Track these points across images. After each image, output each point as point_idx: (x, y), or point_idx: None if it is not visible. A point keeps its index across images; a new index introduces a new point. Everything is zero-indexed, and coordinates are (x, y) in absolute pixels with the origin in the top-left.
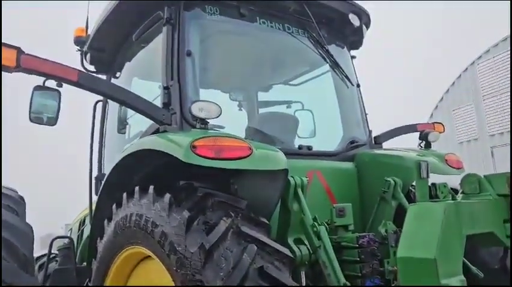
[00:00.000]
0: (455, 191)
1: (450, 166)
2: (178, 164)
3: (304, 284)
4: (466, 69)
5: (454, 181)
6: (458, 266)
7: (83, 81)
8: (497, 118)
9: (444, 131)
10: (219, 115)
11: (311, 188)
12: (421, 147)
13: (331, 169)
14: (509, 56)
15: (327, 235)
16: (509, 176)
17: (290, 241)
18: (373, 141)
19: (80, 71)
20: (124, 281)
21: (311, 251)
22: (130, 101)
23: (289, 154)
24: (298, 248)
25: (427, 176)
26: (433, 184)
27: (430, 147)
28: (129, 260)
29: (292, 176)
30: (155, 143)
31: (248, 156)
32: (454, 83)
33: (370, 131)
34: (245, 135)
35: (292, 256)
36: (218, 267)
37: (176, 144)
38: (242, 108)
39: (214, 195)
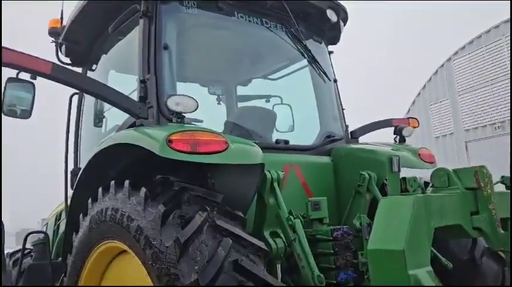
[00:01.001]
0: (428, 184)
1: (423, 160)
2: (154, 158)
3: (279, 276)
4: (443, 65)
5: (427, 174)
6: (426, 258)
7: (56, 74)
8: (471, 113)
9: (419, 126)
10: (196, 109)
11: (288, 182)
12: (396, 142)
13: (307, 163)
14: (509, 55)
15: (302, 228)
16: (477, 171)
17: (266, 234)
18: (350, 136)
19: (53, 63)
20: (99, 276)
21: (286, 244)
22: (105, 94)
23: (267, 148)
24: (274, 241)
25: (399, 170)
26: (404, 178)
27: (405, 142)
28: (104, 254)
29: (268, 171)
30: (131, 137)
31: (224, 150)
32: (430, 78)
33: (346, 126)
34: (223, 129)
35: (267, 249)
36: (193, 261)
37: (152, 138)
38: (221, 102)
39: (190, 189)
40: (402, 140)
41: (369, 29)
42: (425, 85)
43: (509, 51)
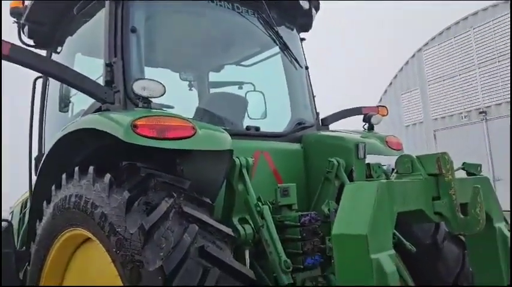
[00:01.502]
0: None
1: (390, 147)
2: (120, 144)
3: (247, 262)
4: (414, 55)
5: (394, 161)
6: (388, 242)
7: (15, 56)
8: (440, 103)
9: (387, 114)
10: (163, 94)
11: (258, 169)
12: (365, 129)
13: (278, 150)
14: (509, 53)
15: (270, 214)
16: (439, 158)
17: (235, 220)
18: (320, 123)
19: (12, 44)
20: (64, 264)
21: (255, 230)
22: (68, 77)
23: (237, 134)
24: (243, 227)
25: (364, 157)
26: (368, 164)
27: (373, 129)
28: (69, 243)
29: (237, 157)
30: (95, 121)
31: (191, 136)
32: (402, 68)
33: (317, 113)
34: (194, 115)
35: (234, 235)
36: (158, 247)
37: (116, 123)
38: (193, 89)
39: (157, 176)
40: (371, 127)
41: (345, 18)
42: (396, 75)
43: (510, 50)
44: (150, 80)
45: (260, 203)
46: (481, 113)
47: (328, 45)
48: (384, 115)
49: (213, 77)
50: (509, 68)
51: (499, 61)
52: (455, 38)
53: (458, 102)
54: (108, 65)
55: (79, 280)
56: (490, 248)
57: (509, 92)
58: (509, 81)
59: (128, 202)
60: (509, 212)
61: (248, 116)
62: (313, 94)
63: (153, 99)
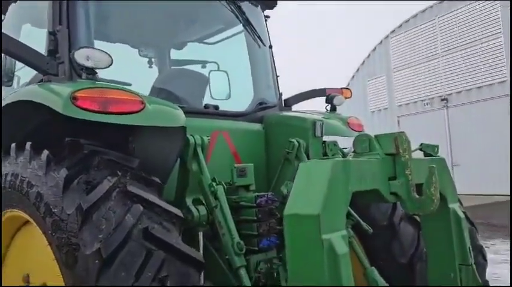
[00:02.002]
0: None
1: (352, 129)
2: (60, 118)
3: (201, 244)
4: (381, 42)
5: None
6: (341, 222)
7: None
8: (404, 90)
9: (351, 96)
10: (110, 65)
11: (216, 149)
12: (327, 110)
13: (238, 130)
14: (510, 54)
15: (224, 194)
16: (397, 137)
17: (188, 201)
18: (283, 104)
19: None
20: (4, 248)
21: (209, 212)
22: (5, 46)
23: (195, 113)
24: (197, 208)
25: (321, 135)
26: (324, 142)
27: (335, 110)
28: (7, 225)
29: (192, 135)
30: (32, 93)
31: (140, 111)
32: (369, 55)
33: (280, 94)
34: (149, 93)
35: (182, 216)
36: (97, 229)
37: (55, 95)
38: (153, 66)
39: (102, 153)
40: (333, 108)
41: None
42: (364, 61)
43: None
44: (95, 49)
45: (214, 184)
46: (442, 100)
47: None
48: (347, 97)
49: (175, 55)
50: (470, 56)
51: (461, 50)
52: (421, 26)
53: (422, 89)
54: (52, 34)
55: (17, 266)
56: (443, 229)
57: (509, 94)
58: (509, 81)
59: (66, 181)
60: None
61: (211, 96)
62: (276, 74)
63: (110, 77)
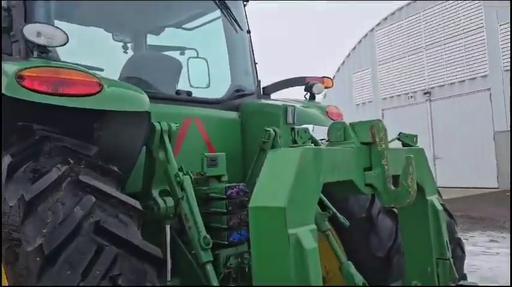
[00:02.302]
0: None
1: (331, 118)
2: (10, 101)
3: (168, 238)
4: (366, 35)
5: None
6: (310, 215)
7: None
8: (388, 83)
9: (332, 85)
10: (65, 43)
11: (188, 137)
12: (306, 98)
13: (211, 118)
14: (510, 51)
15: (191, 185)
16: (373, 125)
17: (155, 192)
18: (262, 92)
19: None
20: None
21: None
22: None
23: (165, 99)
24: (163, 200)
25: (293, 122)
26: (293, 129)
27: (315, 99)
28: None
29: (158, 122)
30: None
31: (96, 93)
32: (355, 47)
33: (258, 81)
34: (119, 77)
35: (140, 207)
36: (42, 223)
37: (1, 74)
38: (128, 51)
39: (55, 139)
40: (312, 97)
41: None
42: (349, 54)
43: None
44: (48, 25)
45: (181, 174)
46: (425, 93)
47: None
48: (328, 87)
49: (152, 40)
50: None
51: (444, 44)
52: (406, 19)
53: (406, 82)
54: (6, 10)
55: None
56: (420, 222)
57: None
58: (509, 80)
59: (10, 168)
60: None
61: (189, 84)
62: (254, 61)
63: (80, 62)
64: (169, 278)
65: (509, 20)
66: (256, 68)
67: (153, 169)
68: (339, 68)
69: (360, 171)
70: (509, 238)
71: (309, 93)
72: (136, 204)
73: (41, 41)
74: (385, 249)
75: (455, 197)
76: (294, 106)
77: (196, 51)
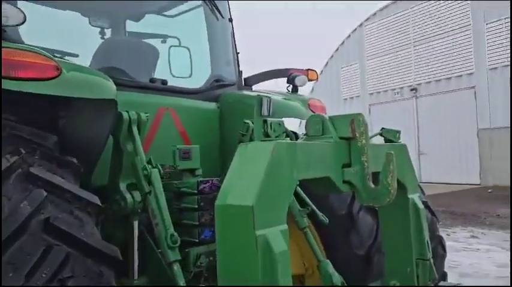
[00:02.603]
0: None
1: (312, 111)
2: None
3: (136, 235)
4: (355, 29)
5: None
6: (281, 214)
7: None
8: (376, 78)
9: (318, 79)
10: (22, 23)
11: (161, 128)
12: (288, 91)
13: (188, 108)
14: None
15: (159, 179)
16: (354, 119)
17: (122, 186)
18: (243, 83)
19: None
20: None
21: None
22: None
23: (138, 87)
24: (131, 194)
25: (268, 114)
26: (265, 121)
27: (297, 91)
28: None
29: (127, 111)
30: None
31: (54, 78)
32: (343, 42)
33: (240, 72)
34: (90, 64)
35: (98, 202)
36: None
37: None
38: (105, 37)
39: (10, 127)
40: (295, 89)
41: None
42: (338, 48)
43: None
44: (5, 2)
45: (149, 167)
46: (412, 90)
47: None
48: (313, 79)
49: (131, 27)
50: (440, 48)
51: (432, 41)
52: (395, 15)
53: (393, 78)
54: None
55: None
56: (401, 220)
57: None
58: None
59: None
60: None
61: (171, 74)
62: (236, 50)
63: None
64: (136, 277)
65: (495, 19)
66: (238, 58)
67: (121, 161)
68: (327, 62)
69: (338, 167)
70: (489, 235)
71: (291, 86)
72: (94, 199)
73: None
74: (365, 247)
75: (438, 193)
76: (269, 97)
77: (178, 39)
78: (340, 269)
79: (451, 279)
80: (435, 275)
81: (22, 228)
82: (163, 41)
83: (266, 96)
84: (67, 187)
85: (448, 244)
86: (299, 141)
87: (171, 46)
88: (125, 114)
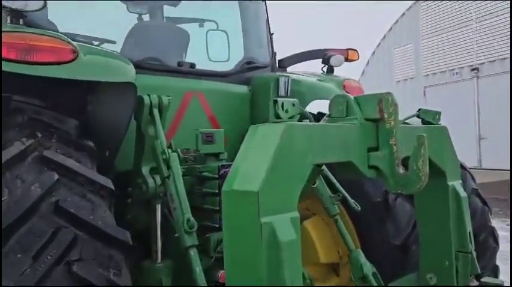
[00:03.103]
0: None
1: (347, 92)
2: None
3: (158, 219)
4: (410, 7)
5: None
6: (292, 201)
7: None
8: (432, 58)
9: (359, 58)
10: (42, 8)
11: (188, 112)
12: (323, 72)
13: (217, 92)
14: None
15: (178, 163)
16: (381, 99)
17: (145, 170)
18: (277, 65)
19: None
20: None
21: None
22: None
23: (165, 71)
24: (153, 178)
25: (286, 95)
26: (275, 101)
27: (333, 72)
28: None
29: (148, 95)
30: None
31: (70, 61)
32: (397, 21)
33: (274, 53)
34: (121, 49)
35: (111, 186)
36: None
37: None
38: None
39: (31, 112)
40: (330, 70)
41: None
42: (391, 28)
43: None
44: None
45: (168, 150)
46: (473, 69)
47: None
48: (353, 59)
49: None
50: (506, 23)
51: (497, 16)
52: None
53: (451, 58)
54: None
55: None
56: (440, 209)
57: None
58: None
59: None
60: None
61: (209, 59)
62: (270, 31)
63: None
64: (159, 260)
65: None
66: (271, 39)
67: (143, 145)
68: (379, 43)
69: (363, 151)
70: None
71: (326, 66)
72: (107, 183)
73: (15, 5)
74: (402, 237)
75: (499, 180)
76: (288, 77)
77: (216, 23)
78: (375, 259)
79: (504, 274)
80: (478, 270)
81: (32, 210)
82: (201, 25)
83: (285, 76)
84: (80, 171)
85: (504, 234)
86: (319, 123)
87: (208, 30)
88: (146, 98)
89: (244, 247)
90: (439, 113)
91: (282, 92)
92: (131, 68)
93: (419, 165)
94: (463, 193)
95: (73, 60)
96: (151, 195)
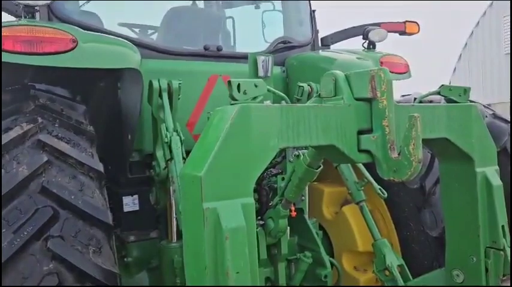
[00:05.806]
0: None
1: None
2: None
3: (173, 199)
4: None
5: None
6: (245, 186)
7: None
8: None
9: (419, 31)
10: (50, 3)
11: (213, 96)
12: (364, 48)
13: (244, 74)
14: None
15: (179, 146)
16: (373, 76)
17: (159, 153)
18: (320, 43)
19: None
20: None
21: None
22: None
23: (191, 55)
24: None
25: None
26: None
27: (374, 48)
28: None
29: (158, 79)
30: None
31: (70, 50)
32: None
33: (316, 31)
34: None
35: (101, 169)
36: None
37: None
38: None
39: (43, 98)
40: (371, 45)
41: None
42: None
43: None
44: None
45: (172, 134)
46: None
47: None
48: (413, 32)
49: None
50: None
51: None
52: None
53: None
54: None
55: None
56: (467, 199)
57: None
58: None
59: None
60: None
61: (264, 40)
62: (311, 8)
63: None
64: (174, 240)
65: None
66: (313, 15)
67: (156, 129)
68: (485, 12)
69: (350, 134)
70: None
71: (366, 42)
72: (96, 165)
73: (26, 1)
74: (439, 228)
75: None
76: (269, 56)
77: (273, 4)
78: (410, 251)
79: None
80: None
81: (20, 189)
82: (257, 7)
83: (265, 55)
84: (72, 154)
85: None
86: (290, 104)
87: (263, 11)
88: (155, 83)
89: (191, 233)
90: (467, 89)
91: (261, 73)
92: (134, 54)
93: (410, 149)
94: (496, 182)
95: (73, 49)
96: (163, 177)
